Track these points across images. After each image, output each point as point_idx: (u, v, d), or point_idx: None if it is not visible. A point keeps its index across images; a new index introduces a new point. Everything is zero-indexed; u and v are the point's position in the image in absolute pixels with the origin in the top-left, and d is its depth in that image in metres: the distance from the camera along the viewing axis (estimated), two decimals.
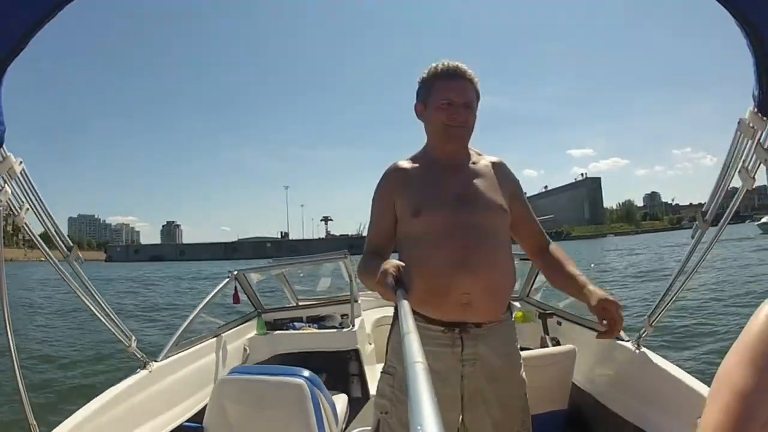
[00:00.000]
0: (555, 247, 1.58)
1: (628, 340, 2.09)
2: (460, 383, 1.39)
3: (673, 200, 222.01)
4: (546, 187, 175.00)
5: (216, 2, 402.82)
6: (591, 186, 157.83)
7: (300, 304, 3.97)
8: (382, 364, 3.66)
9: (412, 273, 1.19)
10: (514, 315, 1.61)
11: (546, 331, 2.80)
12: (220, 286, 3.08)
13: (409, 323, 0.72)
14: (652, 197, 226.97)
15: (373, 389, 3.01)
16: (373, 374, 3.23)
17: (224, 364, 2.82)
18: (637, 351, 1.99)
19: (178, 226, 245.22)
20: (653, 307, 1.90)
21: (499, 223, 1.47)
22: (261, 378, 2.11)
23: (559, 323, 2.81)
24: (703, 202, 1.63)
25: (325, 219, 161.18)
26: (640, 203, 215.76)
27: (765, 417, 0.74)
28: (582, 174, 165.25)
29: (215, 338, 2.83)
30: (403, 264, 1.20)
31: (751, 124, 1.37)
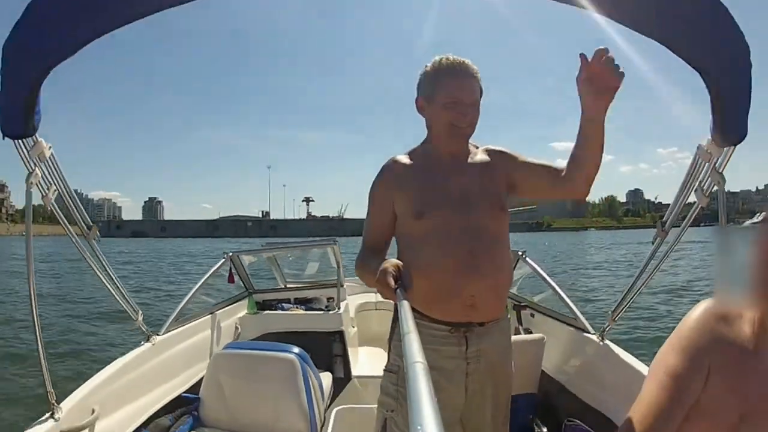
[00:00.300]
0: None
1: (593, 333, 2.29)
2: (465, 380, 1.41)
3: (656, 198, 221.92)
4: None
5: None
6: None
7: (288, 286, 4.11)
8: (364, 347, 3.79)
9: (415, 274, 1.18)
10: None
11: (519, 322, 2.96)
12: (217, 266, 3.22)
13: (409, 323, 0.73)
14: (635, 194, 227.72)
15: (355, 370, 3.21)
16: (355, 356, 3.40)
17: (218, 341, 2.95)
18: (601, 343, 2.18)
19: (159, 202, 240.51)
20: (615, 305, 2.09)
21: (500, 223, 1.45)
22: (254, 353, 2.23)
23: (532, 315, 2.97)
24: (687, 202, 1.75)
25: (307, 200, 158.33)
26: (623, 199, 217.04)
27: (693, 395, 0.91)
28: None
29: (210, 315, 2.96)
30: (403, 264, 1.19)
31: (708, 150, 1.54)
